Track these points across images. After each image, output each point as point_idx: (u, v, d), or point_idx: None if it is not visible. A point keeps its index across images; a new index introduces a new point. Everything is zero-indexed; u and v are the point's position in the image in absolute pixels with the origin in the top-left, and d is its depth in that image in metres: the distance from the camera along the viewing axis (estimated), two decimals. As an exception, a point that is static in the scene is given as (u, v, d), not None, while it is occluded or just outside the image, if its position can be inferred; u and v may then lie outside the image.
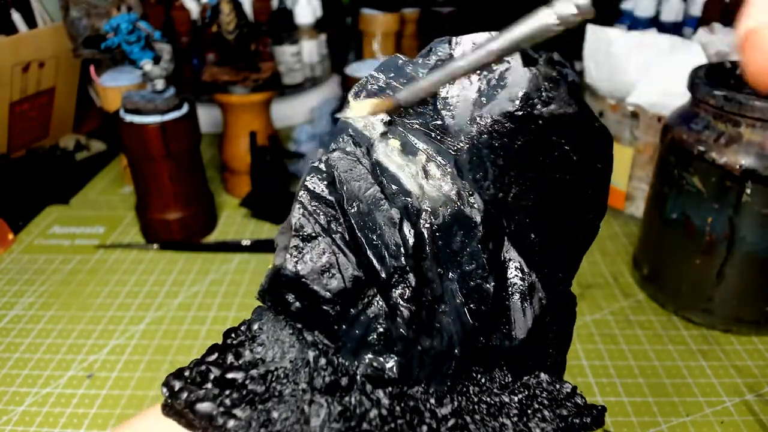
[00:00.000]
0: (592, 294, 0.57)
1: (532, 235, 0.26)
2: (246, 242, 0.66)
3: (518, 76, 0.26)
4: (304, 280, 0.25)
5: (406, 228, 0.25)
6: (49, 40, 0.82)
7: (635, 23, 0.89)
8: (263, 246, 0.66)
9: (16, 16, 0.83)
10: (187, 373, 0.24)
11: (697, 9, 0.85)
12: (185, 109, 0.63)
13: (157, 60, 0.61)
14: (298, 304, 0.25)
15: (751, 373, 0.48)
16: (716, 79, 0.50)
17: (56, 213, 0.75)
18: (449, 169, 0.26)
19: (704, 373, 0.48)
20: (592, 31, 0.70)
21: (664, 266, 0.54)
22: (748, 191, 0.46)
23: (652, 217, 0.56)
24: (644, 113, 0.64)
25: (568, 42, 0.82)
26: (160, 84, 0.61)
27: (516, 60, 0.27)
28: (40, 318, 0.56)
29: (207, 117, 0.90)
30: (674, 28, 0.86)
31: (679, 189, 0.51)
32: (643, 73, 0.64)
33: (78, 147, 0.90)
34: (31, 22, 0.85)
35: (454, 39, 0.28)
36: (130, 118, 0.61)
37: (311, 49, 1.00)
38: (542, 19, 0.22)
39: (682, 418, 0.44)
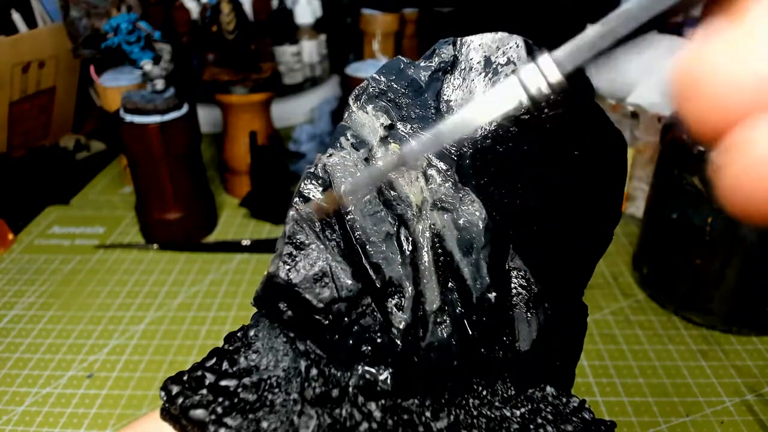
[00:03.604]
0: (592, 294, 0.57)
1: (540, 243, 0.25)
2: (246, 242, 0.66)
3: None
4: (296, 288, 0.24)
5: (404, 236, 0.24)
6: (49, 40, 0.82)
7: (635, 23, 0.88)
8: (263, 246, 0.66)
9: (16, 16, 0.83)
10: (185, 378, 0.23)
11: (697, 9, 0.85)
12: (185, 109, 0.63)
13: (157, 60, 0.61)
14: (290, 312, 0.24)
15: (751, 373, 0.47)
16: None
17: (56, 213, 0.75)
18: (450, 175, 0.25)
19: (704, 373, 0.48)
20: (592, 31, 0.70)
21: (664, 266, 0.54)
22: (748, 191, 0.46)
23: (652, 217, 0.56)
24: (644, 113, 0.64)
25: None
26: (160, 84, 0.61)
27: (522, 61, 0.26)
28: (40, 318, 0.56)
29: (207, 117, 0.90)
30: (674, 28, 0.86)
31: (679, 189, 0.50)
32: (643, 73, 0.64)
33: (78, 147, 0.90)
34: (31, 22, 0.85)
35: (459, 40, 0.27)
36: (130, 118, 0.61)
37: (311, 49, 1.00)
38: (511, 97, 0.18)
39: (682, 418, 0.44)
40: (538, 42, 0.26)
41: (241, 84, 0.71)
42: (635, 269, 0.59)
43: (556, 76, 0.17)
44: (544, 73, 0.17)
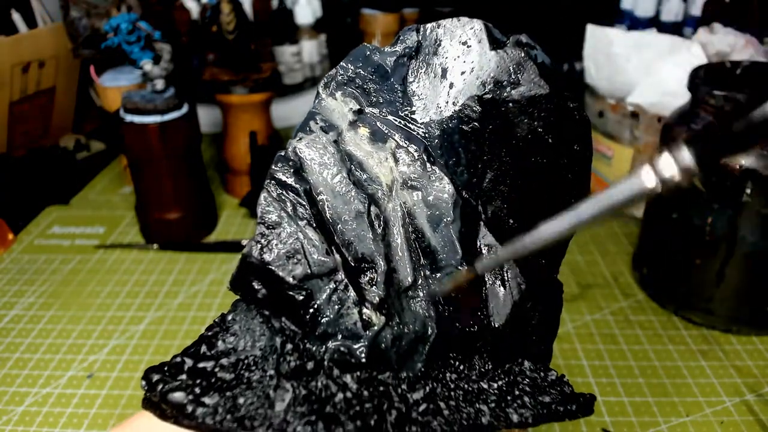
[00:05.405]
0: (592, 294, 0.57)
1: (511, 221, 0.26)
2: (246, 242, 0.66)
3: (485, 60, 0.26)
4: (269, 266, 0.25)
5: (374, 214, 0.25)
6: (49, 40, 0.82)
7: (635, 23, 0.88)
8: (263, 246, 0.66)
9: (16, 16, 0.83)
10: (165, 367, 0.24)
11: (697, 9, 0.85)
12: (185, 109, 0.63)
13: (157, 60, 0.61)
14: (264, 290, 0.25)
15: (751, 373, 0.47)
16: (716, 79, 0.50)
17: (56, 213, 0.75)
18: (419, 156, 0.26)
19: (704, 373, 0.48)
20: (592, 31, 0.70)
21: (664, 266, 0.54)
22: (748, 191, 0.46)
23: (651, 217, 0.56)
24: (644, 113, 0.64)
25: (567, 42, 0.82)
26: (160, 84, 0.61)
27: (483, 44, 0.26)
28: (40, 318, 0.56)
29: (207, 117, 0.90)
30: (674, 28, 0.86)
31: (679, 189, 0.50)
32: (643, 73, 0.64)
33: (78, 147, 0.90)
34: (31, 22, 0.85)
35: (422, 27, 0.28)
36: (130, 118, 0.61)
37: (311, 49, 1.00)
38: (639, 183, 0.18)
39: (682, 418, 0.44)
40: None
41: (241, 84, 0.71)
42: (635, 269, 0.59)
43: (689, 163, 0.18)
44: (679, 161, 0.18)
